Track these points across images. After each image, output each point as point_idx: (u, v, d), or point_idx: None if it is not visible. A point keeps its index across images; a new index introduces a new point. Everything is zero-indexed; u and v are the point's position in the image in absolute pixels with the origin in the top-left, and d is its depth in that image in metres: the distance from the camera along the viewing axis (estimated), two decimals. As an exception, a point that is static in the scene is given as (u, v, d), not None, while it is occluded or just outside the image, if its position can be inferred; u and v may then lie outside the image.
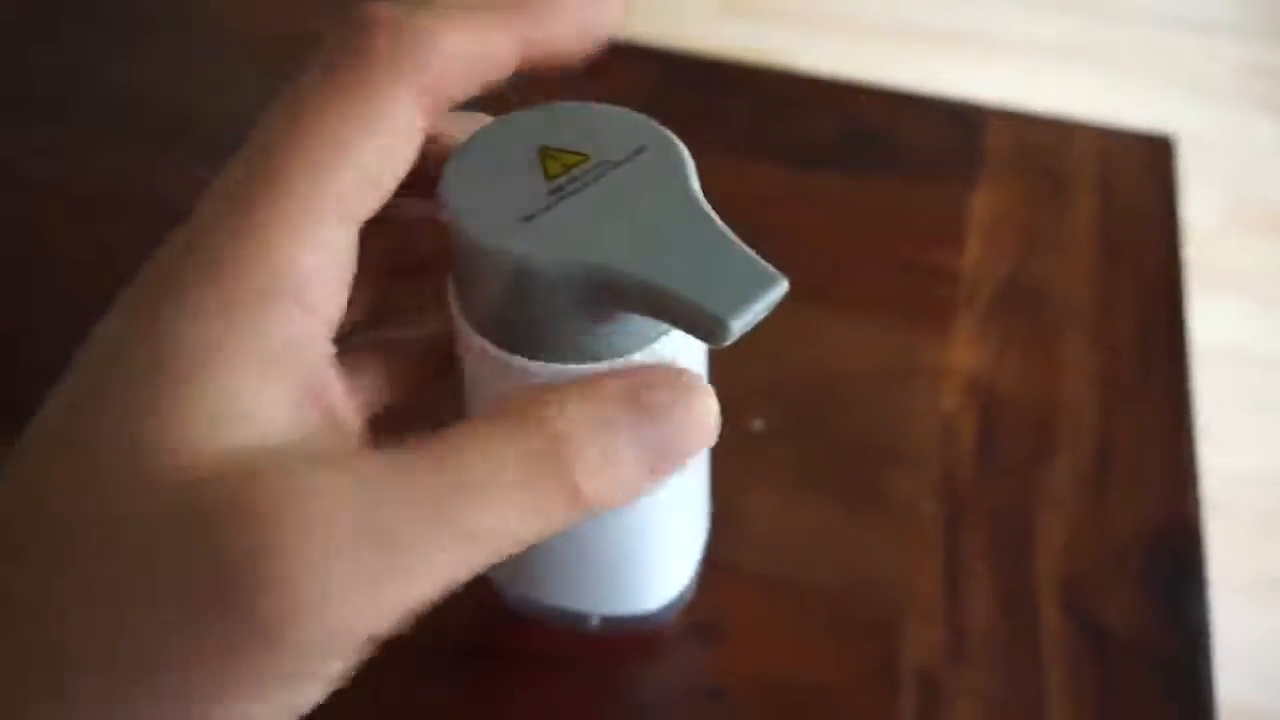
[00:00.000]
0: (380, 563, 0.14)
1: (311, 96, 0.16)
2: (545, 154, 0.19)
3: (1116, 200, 0.43)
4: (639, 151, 0.19)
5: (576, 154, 0.19)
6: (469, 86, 0.17)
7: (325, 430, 0.15)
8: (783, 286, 0.17)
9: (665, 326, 0.20)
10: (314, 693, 0.15)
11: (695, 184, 0.19)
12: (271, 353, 0.15)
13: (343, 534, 0.13)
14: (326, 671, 0.14)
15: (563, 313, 0.18)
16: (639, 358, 0.19)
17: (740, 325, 0.16)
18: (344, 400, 0.16)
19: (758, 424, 0.34)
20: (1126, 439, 0.34)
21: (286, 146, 0.15)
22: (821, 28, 1.54)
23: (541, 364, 0.19)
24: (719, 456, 0.28)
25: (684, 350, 0.21)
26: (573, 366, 0.19)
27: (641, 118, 0.20)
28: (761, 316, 0.17)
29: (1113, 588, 0.30)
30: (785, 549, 0.31)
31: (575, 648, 0.29)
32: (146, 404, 0.14)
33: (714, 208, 0.18)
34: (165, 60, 0.49)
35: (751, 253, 0.17)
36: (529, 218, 0.18)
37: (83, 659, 0.13)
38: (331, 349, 0.16)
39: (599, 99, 0.20)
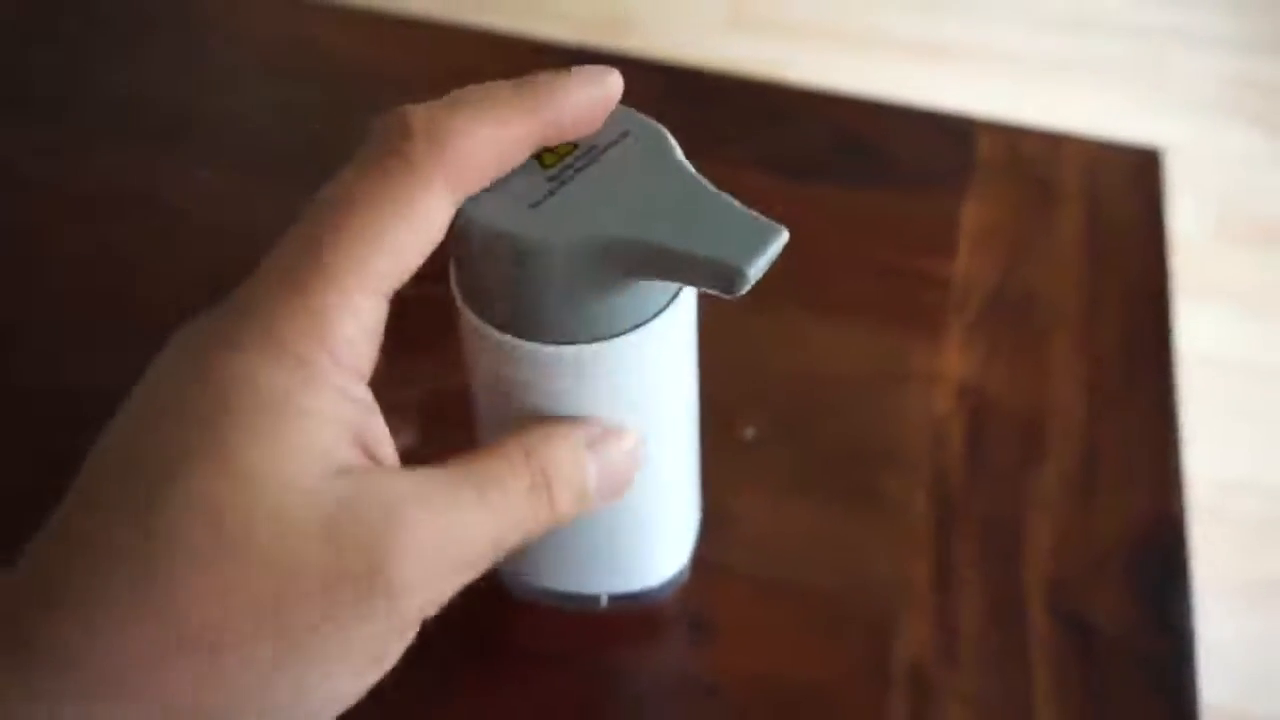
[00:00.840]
0: (453, 559, 0.18)
1: (358, 187, 0.18)
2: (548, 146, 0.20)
3: (1104, 211, 0.43)
4: (623, 135, 0.20)
5: (566, 144, 0.20)
6: (494, 173, 0.19)
7: (376, 465, 0.19)
8: (784, 234, 0.18)
9: (658, 304, 0.21)
10: (380, 673, 0.19)
11: (682, 156, 0.20)
12: (327, 406, 0.18)
13: (429, 536, 0.18)
14: (395, 652, 0.18)
15: (574, 292, 0.19)
16: (633, 337, 0.20)
17: (755, 272, 0.18)
18: (384, 443, 0.19)
19: (749, 431, 0.34)
20: (1113, 443, 0.35)
21: (334, 231, 0.18)
22: (824, 40, 1.55)
23: (552, 347, 0.20)
24: (712, 462, 0.28)
25: (674, 328, 0.21)
26: (571, 348, 0.20)
27: (619, 106, 0.21)
28: (769, 264, 0.18)
29: (1099, 589, 0.31)
30: (778, 550, 0.32)
31: (574, 643, 0.29)
32: (260, 442, 0.17)
33: None
34: (165, 60, 0.49)
35: (748, 209, 0.19)
36: (536, 205, 0.19)
37: (244, 634, 0.16)
38: (371, 402, 0.19)
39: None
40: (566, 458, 0.21)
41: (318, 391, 0.18)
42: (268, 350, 0.17)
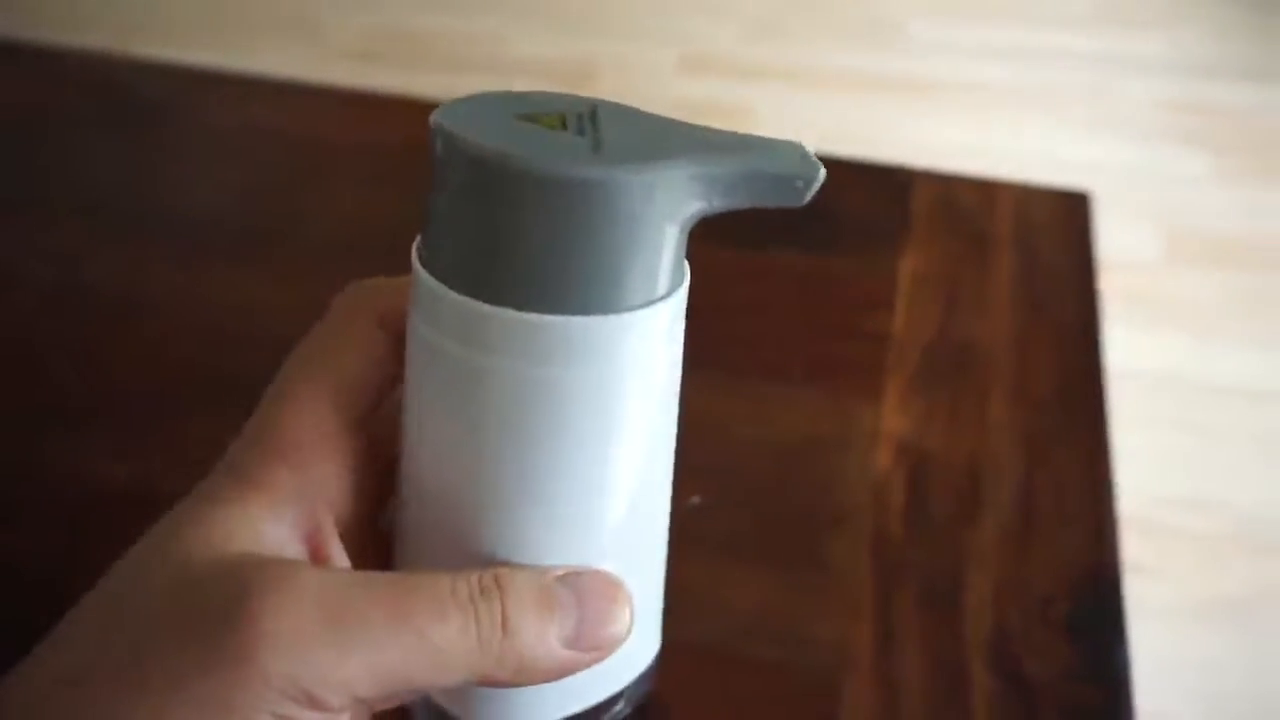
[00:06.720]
0: (331, 637, 0.17)
1: (305, 341, 0.22)
2: (534, 118, 0.19)
3: (1036, 256, 0.45)
4: (595, 108, 0.19)
5: (555, 115, 0.19)
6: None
7: (311, 557, 0.20)
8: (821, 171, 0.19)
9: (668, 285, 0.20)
10: None
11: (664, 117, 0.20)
12: (275, 499, 0.19)
13: (306, 604, 0.17)
14: (287, 715, 0.17)
15: (653, 239, 0.19)
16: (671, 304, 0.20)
17: (820, 176, 0.19)
18: (331, 538, 0.20)
19: (694, 499, 0.35)
20: (1049, 494, 0.35)
21: (289, 370, 0.21)
22: (778, 80, 1.57)
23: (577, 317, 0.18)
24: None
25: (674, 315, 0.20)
26: (578, 318, 0.18)
27: (559, 93, 0.20)
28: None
29: (1038, 640, 0.32)
30: (723, 619, 0.32)
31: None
32: (186, 529, 0.19)
33: None
34: (120, 151, 0.49)
35: (757, 135, 0.20)
36: (596, 150, 0.18)
37: (112, 672, 0.17)
38: (317, 502, 0.20)
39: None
40: (529, 580, 0.19)
41: (264, 489, 0.19)
42: (235, 465, 0.20)
